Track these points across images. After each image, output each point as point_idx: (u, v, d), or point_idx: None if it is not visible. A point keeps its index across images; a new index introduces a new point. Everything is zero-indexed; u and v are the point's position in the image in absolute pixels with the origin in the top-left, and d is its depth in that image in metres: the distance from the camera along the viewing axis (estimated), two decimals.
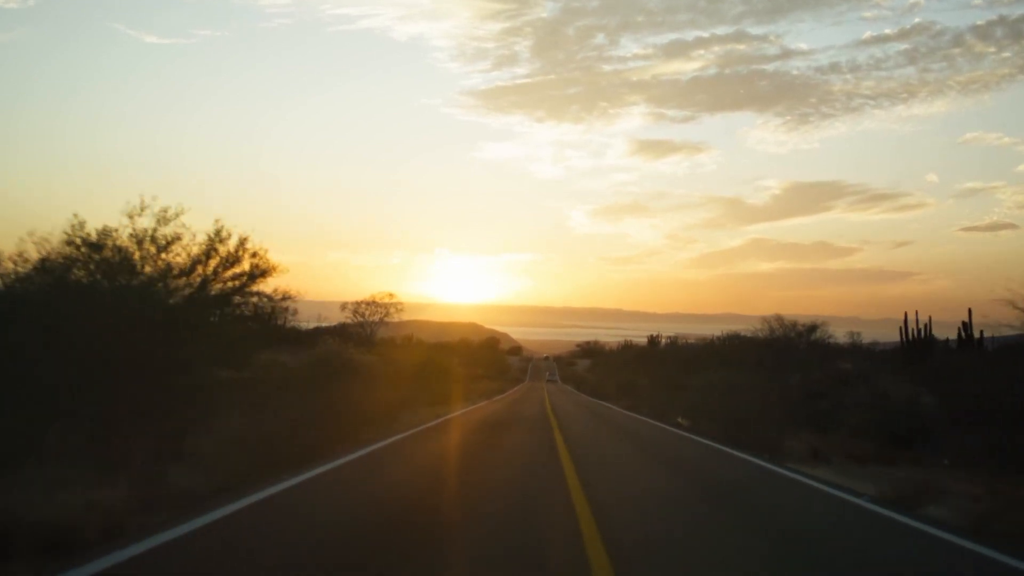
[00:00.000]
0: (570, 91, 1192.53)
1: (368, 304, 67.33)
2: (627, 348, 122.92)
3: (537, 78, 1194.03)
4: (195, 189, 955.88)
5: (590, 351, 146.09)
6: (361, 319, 67.30)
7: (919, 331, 38.48)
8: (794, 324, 30.30)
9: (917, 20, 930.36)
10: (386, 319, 67.75)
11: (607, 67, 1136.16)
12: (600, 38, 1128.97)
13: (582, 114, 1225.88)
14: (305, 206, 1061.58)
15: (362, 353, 22.60)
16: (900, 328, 35.67)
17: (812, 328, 30.20)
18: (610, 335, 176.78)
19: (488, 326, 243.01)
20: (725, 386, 27.51)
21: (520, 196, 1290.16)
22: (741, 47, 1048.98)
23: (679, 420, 23.98)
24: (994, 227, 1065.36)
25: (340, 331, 57.88)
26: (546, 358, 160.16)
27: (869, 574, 6.19)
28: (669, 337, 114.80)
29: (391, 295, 68.18)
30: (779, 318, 30.56)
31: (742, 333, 34.90)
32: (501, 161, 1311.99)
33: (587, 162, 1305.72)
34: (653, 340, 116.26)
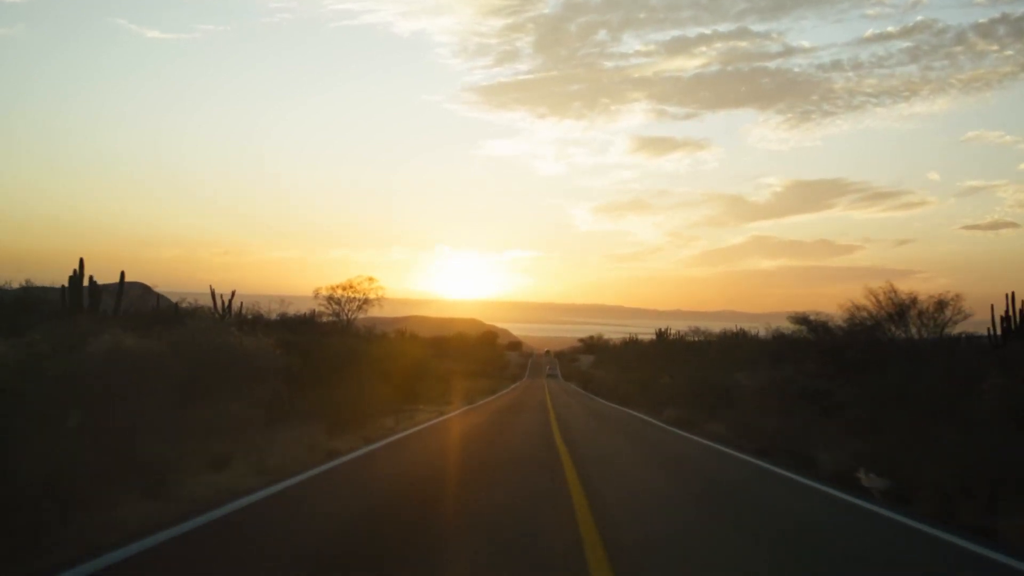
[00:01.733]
0: (572, 88, 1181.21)
1: (344, 289, 59.24)
2: (633, 343, 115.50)
3: (539, 74, 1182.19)
4: (196, 184, 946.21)
5: (593, 346, 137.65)
6: (336, 307, 59.22)
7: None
8: (913, 299, 21.00)
9: (919, 18, 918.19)
10: (366, 306, 59.66)
11: (609, 64, 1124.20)
12: (602, 34, 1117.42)
13: (584, 111, 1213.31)
14: (306, 202, 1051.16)
15: (255, 340, 14.33)
16: (1006, 311, 27.37)
17: (941, 305, 20.81)
18: (611, 332, 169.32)
19: (488, 322, 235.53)
20: (801, 387, 19.34)
21: (522, 193, 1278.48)
22: (743, 44, 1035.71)
23: (860, 477, 11.16)
24: (995, 226, 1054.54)
25: (301, 321, 49.75)
26: (546, 352, 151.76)
27: None
28: (679, 332, 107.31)
29: (371, 279, 59.99)
30: (892, 291, 21.37)
31: (810, 317, 25.82)
32: (503, 158, 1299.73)
33: (589, 159, 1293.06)
34: (661, 334, 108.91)
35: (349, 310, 58.26)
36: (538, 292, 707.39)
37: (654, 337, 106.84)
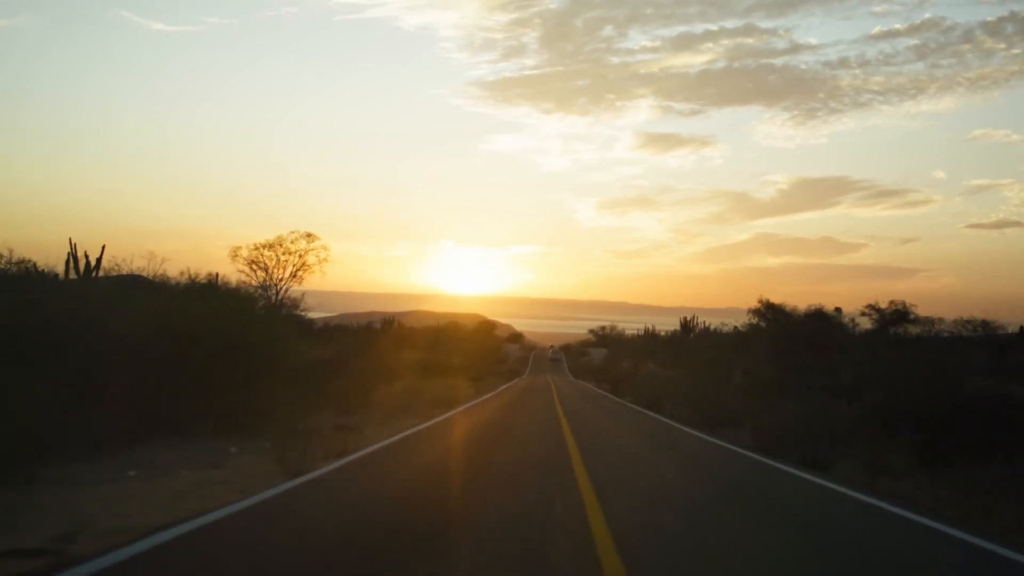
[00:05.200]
0: (578, 83, 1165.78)
1: (271, 249, 43.27)
2: (652, 336, 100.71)
3: (545, 70, 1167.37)
4: (200, 179, 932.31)
5: (606, 338, 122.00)
6: (263, 272, 43.20)
7: None
8: None
9: (927, 15, 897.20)
10: (302, 272, 43.80)
11: (615, 59, 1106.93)
12: (608, 30, 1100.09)
13: (589, 106, 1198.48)
14: (310, 196, 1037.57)
15: None
16: None
17: None
18: (618, 327, 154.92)
19: (492, 317, 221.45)
20: None
21: (526, 188, 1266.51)
22: (750, 41, 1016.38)
23: None
24: (1000, 224, 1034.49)
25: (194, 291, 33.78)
26: (551, 347, 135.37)
27: None
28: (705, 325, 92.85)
29: (310, 235, 43.97)
30: None
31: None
32: (508, 153, 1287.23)
33: (594, 155, 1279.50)
34: (686, 325, 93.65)
35: (279, 279, 42.45)
36: (542, 288, 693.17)
37: (679, 328, 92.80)
